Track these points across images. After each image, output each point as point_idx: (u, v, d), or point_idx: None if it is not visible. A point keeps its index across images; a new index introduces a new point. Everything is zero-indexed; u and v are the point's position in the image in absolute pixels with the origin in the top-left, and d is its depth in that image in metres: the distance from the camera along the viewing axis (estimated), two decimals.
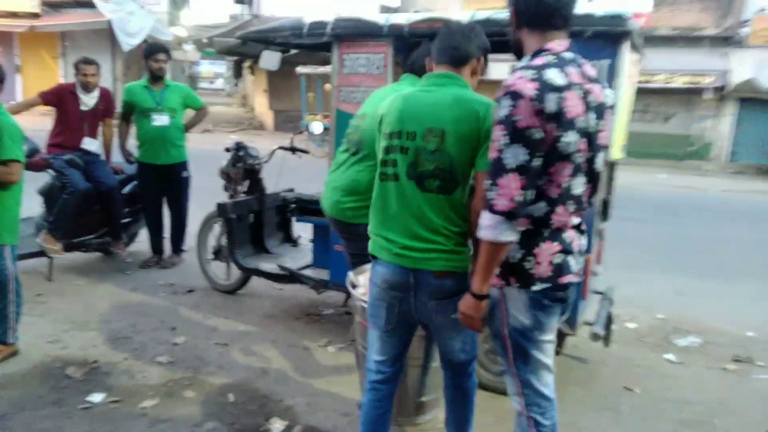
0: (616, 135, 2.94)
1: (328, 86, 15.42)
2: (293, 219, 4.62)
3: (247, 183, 4.46)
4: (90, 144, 4.85)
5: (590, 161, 1.81)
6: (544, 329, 1.89)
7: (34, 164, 4.26)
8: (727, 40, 15.44)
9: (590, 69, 1.83)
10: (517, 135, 1.66)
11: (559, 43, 1.79)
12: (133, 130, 5.07)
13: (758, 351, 3.97)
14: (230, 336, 3.81)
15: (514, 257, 1.82)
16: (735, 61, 14.96)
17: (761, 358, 3.85)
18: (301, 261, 4.14)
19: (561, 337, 3.17)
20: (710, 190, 12.38)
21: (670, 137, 15.93)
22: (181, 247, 5.24)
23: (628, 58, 2.87)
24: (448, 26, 2.15)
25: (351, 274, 2.71)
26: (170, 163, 4.99)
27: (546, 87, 1.66)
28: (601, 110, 1.81)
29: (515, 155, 1.66)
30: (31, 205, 4.25)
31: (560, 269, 1.82)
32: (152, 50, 4.95)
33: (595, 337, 3.04)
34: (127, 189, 5.08)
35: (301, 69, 15.14)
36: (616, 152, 2.99)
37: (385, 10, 24.27)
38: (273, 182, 4.61)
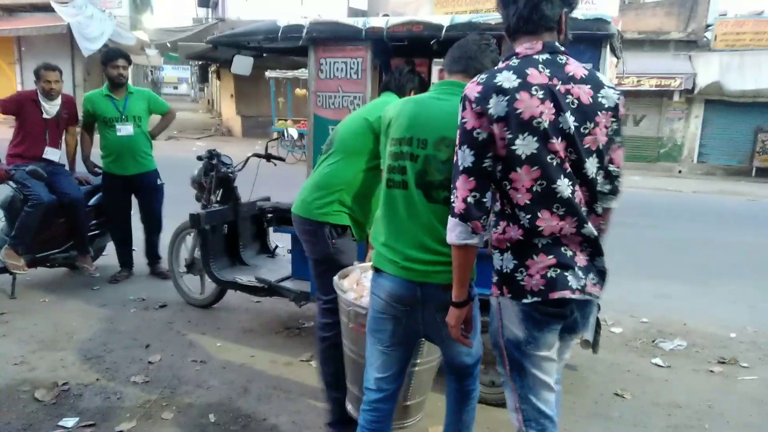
0: None
1: (301, 91, 15.34)
2: (269, 229, 4.48)
3: (220, 192, 4.31)
4: (53, 154, 4.64)
5: (577, 165, 1.72)
6: (539, 344, 1.78)
7: None
8: (691, 44, 15.79)
9: (576, 69, 1.74)
10: (464, 137, 1.69)
11: (528, 47, 1.74)
12: (97, 139, 4.88)
13: (741, 352, 3.98)
14: (208, 352, 3.66)
15: (507, 267, 1.77)
16: (700, 64, 15.27)
17: (745, 359, 3.86)
18: (279, 272, 4.00)
19: None
20: (683, 191, 12.60)
21: (641, 139, 16.17)
22: (159, 256, 5.05)
23: (609, 61, 2.84)
24: (466, 38, 2.13)
25: (336, 279, 2.58)
26: (140, 172, 4.82)
27: (490, 89, 1.66)
28: (586, 112, 1.72)
29: (464, 157, 1.69)
30: None
31: (553, 284, 1.72)
32: (110, 56, 4.76)
33: (585, 344, 2.99)
34: (93, 201, 4.88)
35: (270, 73, 14.97)
36: None
37: (353, 12, 24.22)
38: (247, 190, 4.47)
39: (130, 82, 4.98)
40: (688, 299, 5.16)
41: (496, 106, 1.64)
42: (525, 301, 1.74)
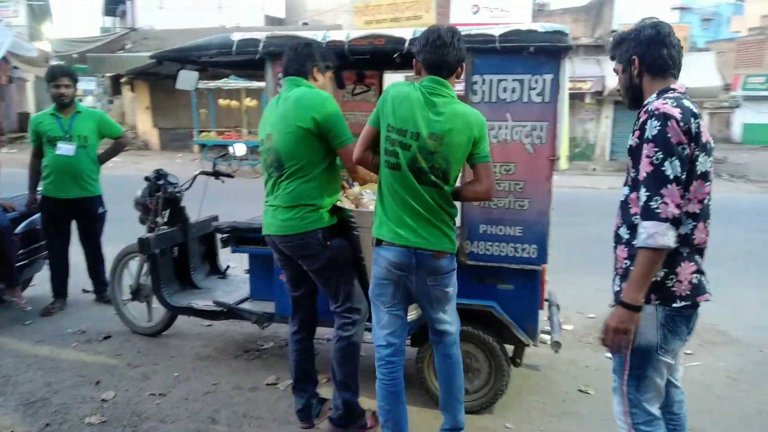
0: (563, 146, 3.00)
1: (224, 101, 14.90)
2: (219, 249, 4.31)
3: (167, 213, 4.10)
4: None
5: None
6: (668, 349, 1.97)
7: None
8: (599, 48, 16.73)
9: None
10: (670, 149, 1.84)
11: (680, 86, 2.01)
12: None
13: None
14: (165, 384, 3.46)
15: (658, 275, 1.92)
16: (608, 67, 16.21)
17: (687, 347, 4.09)
18: (236, 294, 3.85)
19: (520, 349, 3.19)
20: (599, 188, 13.31)
21: None
22: (106, 283, 4.71)
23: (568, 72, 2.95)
24: (439, 35, 2.36)
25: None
26: (80, 197, 4.51)
27: (687, 111, 1.87)
28: None
29: (673, 167, 1.83)
30: None
31: (698, 289, 1.95)
32: (53, 75, 4.47)
33: (556, 345, 3.07)
34: (20, 228, 4.50)
35: None
36: (564, 162, 3.05)
37: (270, 21, 23.96)
38: (195, 210, 4.28)
39: (31, 96, 4.66)
40: None
41: (692, 124, 1.86)
42: (675, 305, 1.93)
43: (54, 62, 22.13)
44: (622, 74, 2.12)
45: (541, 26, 2.84)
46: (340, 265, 2.79)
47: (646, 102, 2.01)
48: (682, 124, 1.84)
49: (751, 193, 13.50)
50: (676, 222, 1.83)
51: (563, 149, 3.05)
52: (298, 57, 2.71)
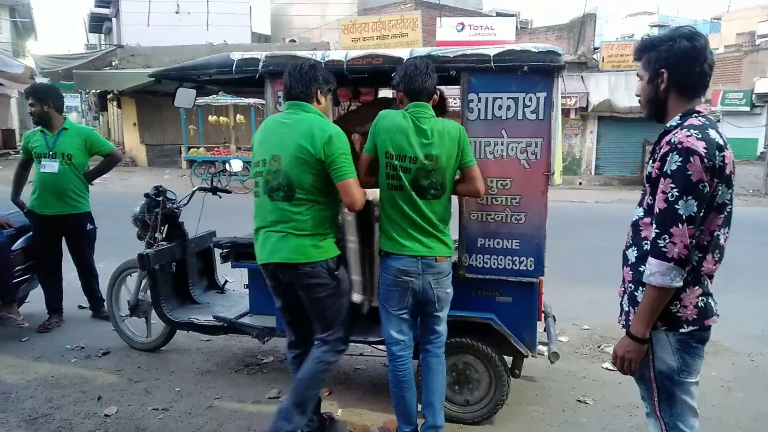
0: (556, 161, 3.10)
1: (214, 117, 14.94)
2: (218, 264, 4.34)
3: (165, 229, 4.14)
4: None
5: (730, 212, 1.92)
6: (691, 371, 1.93)
7: None
8: (582, 65, 17.07)
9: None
10: (689, 188, 1.77)
11: (705, 107, 1.92)
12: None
13: None
14: (168, 399, 3.48)
15: None
16: (591, 83, 16.53)
17: None
18: (235, 309, 3.88)
19: (519, 360, 3.25)
20: (586, 202, 13.50)
21: None
22: (102, 298, 4.73)
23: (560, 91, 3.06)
24: (415, 67, 2.70)
25: None
26: (66, 213, 4.52)
27: (712, 146, 1.77)
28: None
29: (687, 207, 1.77)
30: None
31: (705, 311, 1.91)
32: (26, 95, 4.59)
33: (554, 355, 3.14)
34: (17, 244, 4.50)
35: None
36: (558, 177, 3.15)
37: (257, 38, 24.10)
38: (192, 225, 4.32)
39: (15, 112, 4.74)
40: (615, 304, 5.50)
41: (716, 159, 1.77)
42: (682, 330, 1.90)
43: (39, 79, 22.07)
44: (646, 84, 1.98)
45: (534, 46, 2.95)
46: (341, 296, 2.82)
47: (669, 126, 1.93)
48: (706, 160, 1.75)
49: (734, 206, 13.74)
50: (682, 263, 1.79)
51: (557, 164, 3.15)
52: (303, 79, 2.70)
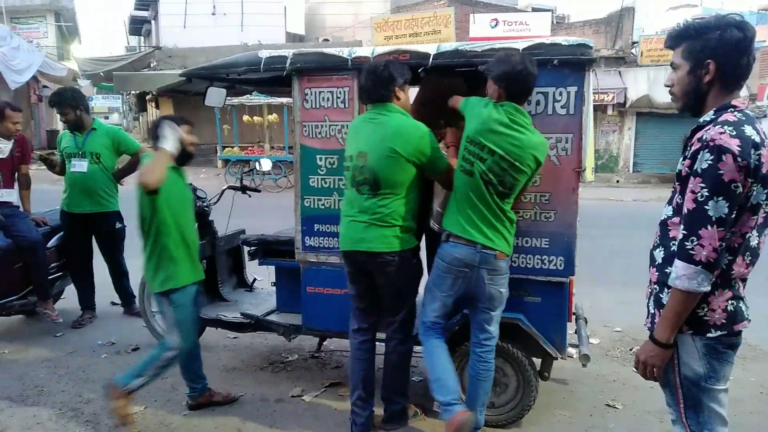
0: (589, 157, 3.00)
1: (248, 117, 15.12)
2: (247, 262, 4.36)
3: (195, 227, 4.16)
4: (7, 195, 4.39)
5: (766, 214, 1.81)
6: (719, 377, 1.84)
7: None
8: (620, 60, 16.67)
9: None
10: (720, 188, 1.67)
11: (742, 101, 1.82)
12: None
13: None
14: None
15: None
16: (629, 79, 16.12)
17: None
18: (263, 306, 3.89)
19: (548, 362, 3.16)
20: (624, 200, 13.18)
21: None
22: (133, 295, 4.82)
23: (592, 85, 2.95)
24: (525, 67, 2.60)
25: None
26: (95, 212, 4.60)
27: (747, 143, 1.67)
28: None
29: (717, 208, 1.68)
30: None
31: (735, 316, 1.81)
32: (52, 104, 4.66)
33: (585, 358, 3.04)
34: (52, 242, 4.61)
35: None
36: (589, 174, 3.05)
37: (291, 38, 24.29)
38: (222, 224, 4.35)
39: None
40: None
41: (751, 159, 1.67)
42: (710, 335, 1.80)
43: (81, 81, 22.74)
44: (686, 75, 1.83)
45: (564, 39, 2.86)
46: (414, 284, 2.98)
47: (701, 121, 1.81)
48: (740, 159, 1.65)
49: None
50: (710, 266, 1.69)
51: (589, 161, 3.05)
52: (381, 81, 2.76)
